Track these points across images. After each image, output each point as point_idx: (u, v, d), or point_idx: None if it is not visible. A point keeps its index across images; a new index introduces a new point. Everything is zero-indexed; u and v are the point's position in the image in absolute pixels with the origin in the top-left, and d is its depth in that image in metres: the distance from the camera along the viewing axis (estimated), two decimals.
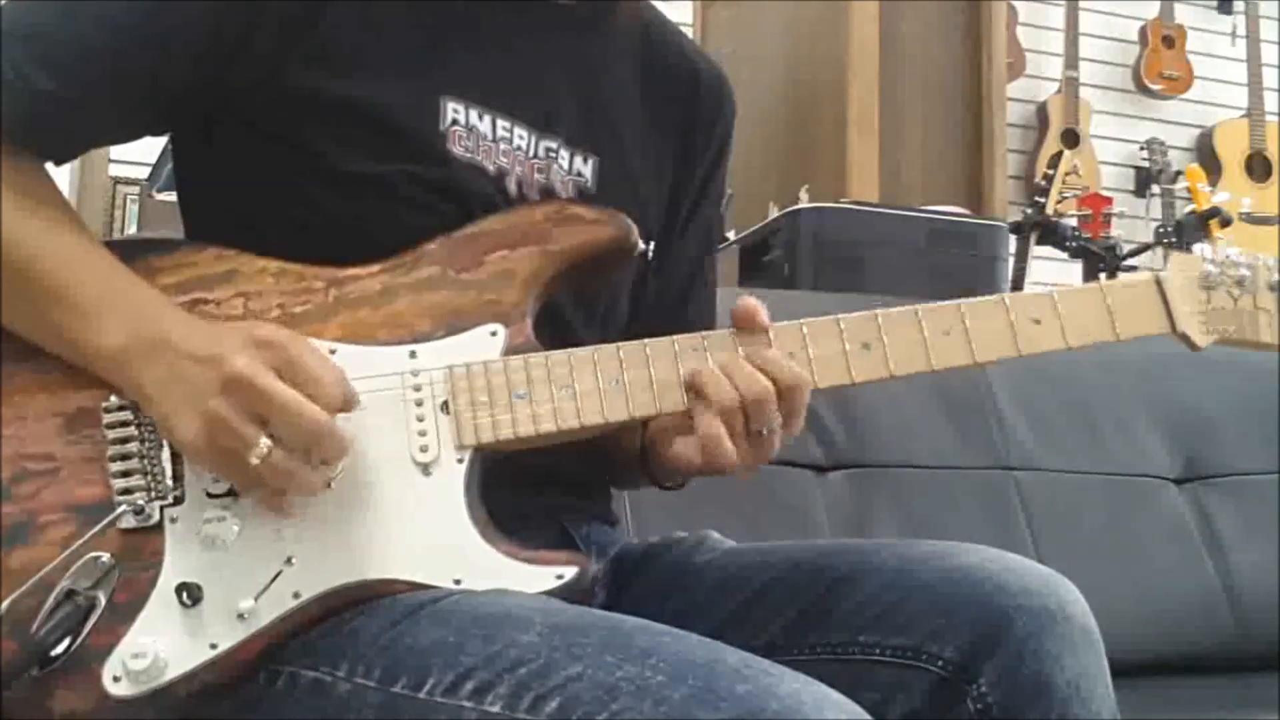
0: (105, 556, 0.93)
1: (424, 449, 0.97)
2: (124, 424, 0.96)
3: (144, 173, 3.06)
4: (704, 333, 1.03)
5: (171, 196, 2.80)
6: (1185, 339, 1.09)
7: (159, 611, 0.93)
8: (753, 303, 1.03)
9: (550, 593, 0.95)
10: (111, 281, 0.97)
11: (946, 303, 1.05)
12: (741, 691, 0.79)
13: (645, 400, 1.00)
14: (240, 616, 0.93)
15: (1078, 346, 1.06)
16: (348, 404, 0.94)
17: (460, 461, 0.98)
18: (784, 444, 1.03)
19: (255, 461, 0.90)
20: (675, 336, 1.02)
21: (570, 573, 0.97)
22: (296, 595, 0.94)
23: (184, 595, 0.93)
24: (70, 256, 0.97)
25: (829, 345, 1.03)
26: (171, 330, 0.95)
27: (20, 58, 0.97)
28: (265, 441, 0.90)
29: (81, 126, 1.04)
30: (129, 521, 0.94)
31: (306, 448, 0.92)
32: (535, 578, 0.96)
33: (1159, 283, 1.09)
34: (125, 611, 0.93)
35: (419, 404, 0.98)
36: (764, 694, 0.79)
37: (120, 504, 0.95)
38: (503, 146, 1.10)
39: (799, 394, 1.00)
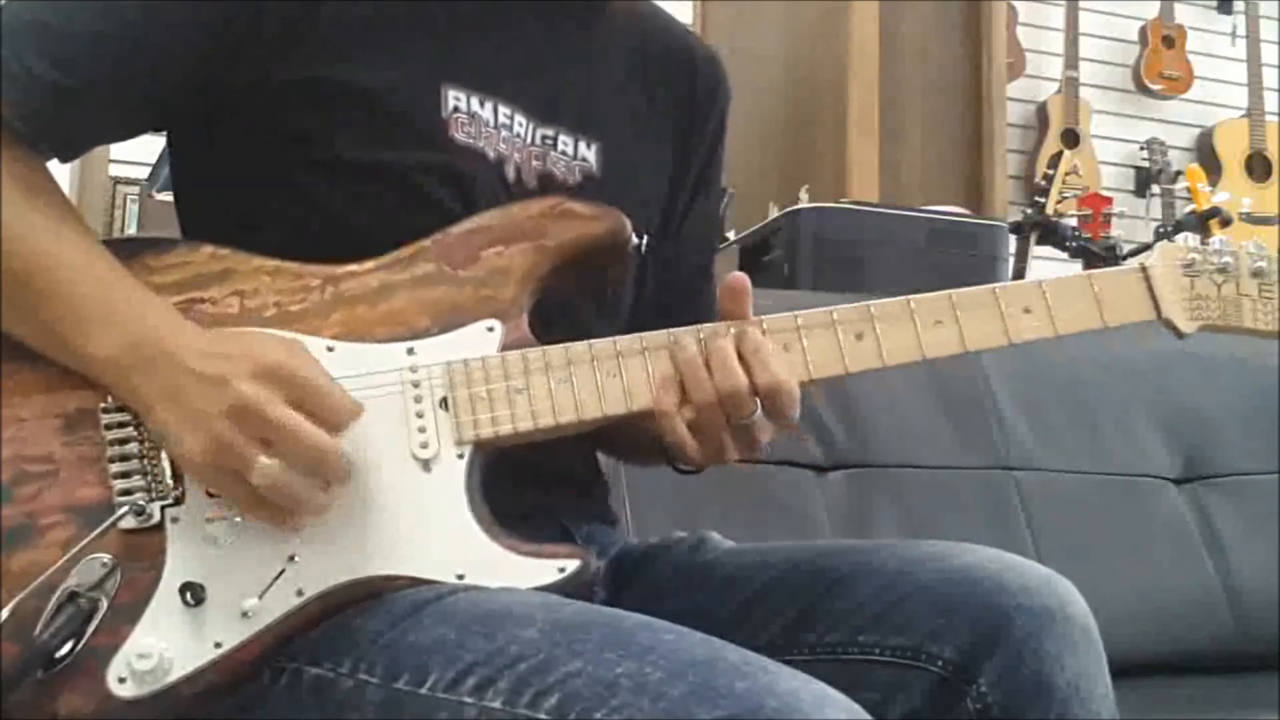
0: (106, 558, 0.93)
1: (424, 445, 0.97)
2: (123, 425, 0.96)
3: (144, 173, 3.06)
4: (699, 325, 1.03)
5: (172, 196, 2.81)
6: (1170, 325, 1.10)
7: (163, 611, 0.93)
8: (741, 277, 1.03)
9: (552, 586, 0.95)
10: (112, 287, 0.97)
11: (937, 293, 1.06)
12: (740, 688, 0.79)
13: (642, 394, 1.01)
14: (244, 615, 0.93)
15: (1067, 334, 1.07)
16: (355, 415, 0.95)
17: (461, 457, 0.98)
18: (779, 439, 1.04)
19: (258, 481, 0.90)
20: (671, 329, 1.02)
21: (572, 565, 0.97)
22: (300, 593, 0.94)
23: (187, 595, 0.93)
24: (71, 260, 0.97)
25: (823, 336, 1.04)
26: (174, 342, 0.94)
27: (25, 50, 0.97)
28: (267, 461, 0.90)
29: (86, 120, 1.04)
30: (130, 522, 0.94)
31: (311, 470, 0.92)
32: (538, 571, 0.96)
33: (1144, 270, 1.10)
34: (129, 612, 0.93)
35: (418, 400, 0.98)
36: (763, 691, 0.79)
37: (121, 505, 0.94)
38: (503, 134, 1.10)
39: (779, 395, 1.00)
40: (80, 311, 0.95)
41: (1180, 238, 1.12)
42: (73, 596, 0.91)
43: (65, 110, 1.00)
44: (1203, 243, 1.12)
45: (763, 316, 1.04)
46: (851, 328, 1.04)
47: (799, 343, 1.03)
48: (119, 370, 0.95)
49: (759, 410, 1.00)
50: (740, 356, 1.00)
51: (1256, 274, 1.11)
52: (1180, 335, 1.10)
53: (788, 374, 1.01)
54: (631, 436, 1.16)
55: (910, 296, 1.05)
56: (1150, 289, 1.09)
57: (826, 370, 1.03)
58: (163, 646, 0.92)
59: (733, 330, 1.02)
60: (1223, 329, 1.11)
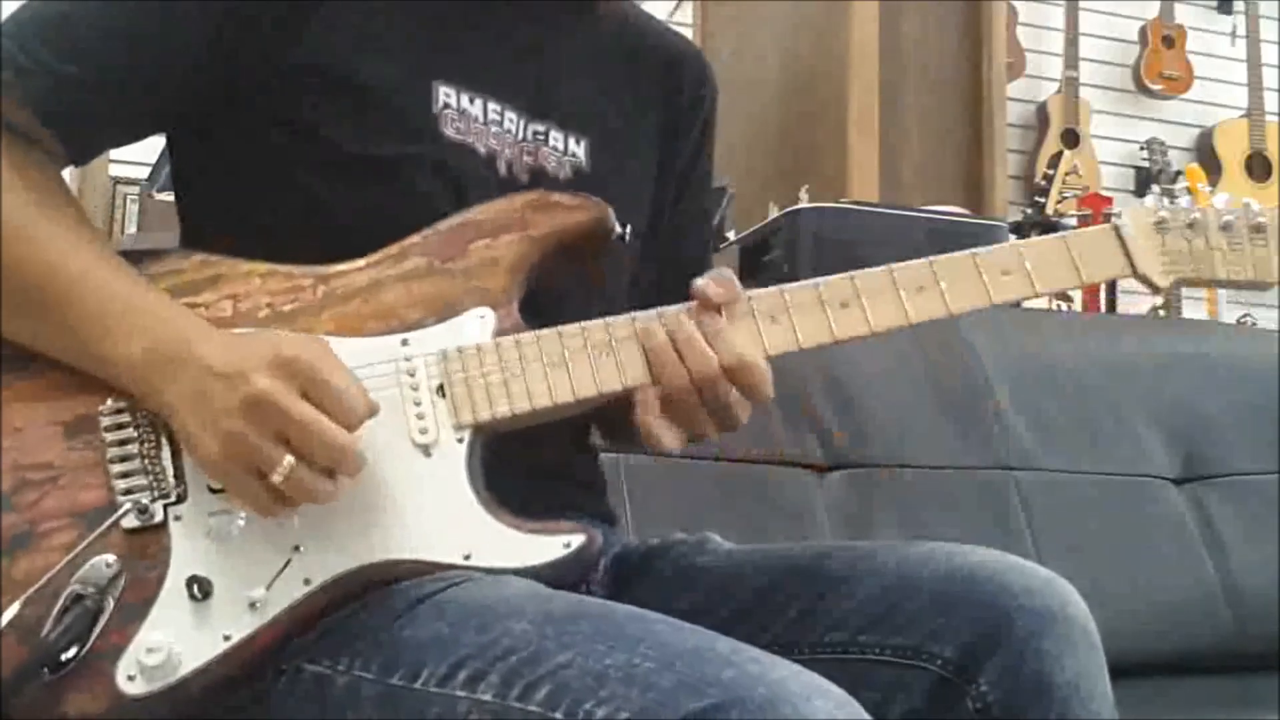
0: (111, 558, 0.94)
1: (423, 431, 0.98)
2: (121, 426, 0.97)
3: (144, 173, 3.05)
4: (689, 303, 1.04)
5: (171, 196, 2.80)
6: (1146, 280, 1.13)
7: (170, 607, 0.93)
8: (703, 285, 1.03)
9: (559, 562, 0.96)
10: (132, 290, 0.97)
11: (918, 260, 1.07)
12: (728, 678, 0.80)
13: (638, 370, 1.02)
14: (253, 606, 0.94)
15: (1045, 293, 1.10)
16: (370, 413, 0.94)
17: (460, 440, 0.99)
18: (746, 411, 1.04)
19: (278, 479, 0.90)
20: (661, 308, 1.04)
21: (578, 540, 0.98)
22: (307, 582, 0.95)
23: (194, 589, 0.93)
24: (89, 265, 0.97)
25: (809, 306, 1.05)
26: (194, 343, 0.94)
27: (38, 47, 0.99)
28: (289, 460, 0.90)
29: (98, 116, 1.04)
30: (132, 521, 0.94)
31: (329, 466, 0.92)
32: (543, 548, 0.97)
33: (1117, 229, 1.12)
34: (136, 611, 0.93)
35: (414, 389, 0.99)
36: (752, 680, 0.80)
37: (123, 503, 0.95)
38: (493, 129, 1.12)
39: (750, 372, 1.01)
40: (101, 314, 0.96)
41: (1148, 199, 1.16)
42: (78, 598, 0.91)
43: (79, 105, 1.01)
44: (1170, 202, 1.15)
45: (750, 291, 1.05)
46: (836, 298, 1.05)
47: (786, 314, 1.04)
48: (140, 373, 0.95)
49: (734, 391, 1.01)
50: (706, 339, 1.01)
51: (1225, 228, 1.13)
52: (1156, 290, 1.12)
53: (754, 352, 1.02)
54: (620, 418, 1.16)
55: (892, 265, 1.07)
56: (1124, 246, 1.12)
57: (815, 339, 1.05)
58: (171, 641, 0.92)
59: (694, 315, 1.02)
60: (1196, 282, 1.14)
